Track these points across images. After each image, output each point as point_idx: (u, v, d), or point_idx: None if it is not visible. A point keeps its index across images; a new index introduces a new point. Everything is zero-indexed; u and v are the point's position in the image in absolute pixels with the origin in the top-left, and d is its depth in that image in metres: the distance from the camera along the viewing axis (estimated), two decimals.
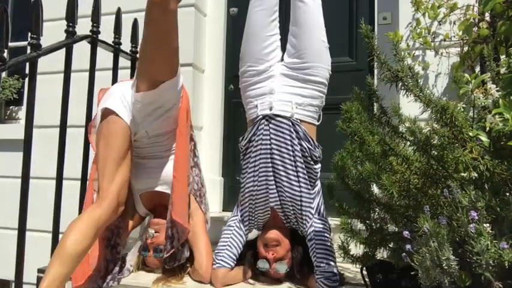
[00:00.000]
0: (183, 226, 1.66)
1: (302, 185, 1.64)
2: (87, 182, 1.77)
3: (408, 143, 1.30)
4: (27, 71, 2.13)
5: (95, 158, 1.70)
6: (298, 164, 1.64)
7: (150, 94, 1.58)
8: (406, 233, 1.09)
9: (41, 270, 1.76)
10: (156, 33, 1.50)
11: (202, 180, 1.91)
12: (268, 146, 1.66)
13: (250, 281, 1.68)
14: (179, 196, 1.67)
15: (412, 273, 1.04)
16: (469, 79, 1.13)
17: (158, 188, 1.78)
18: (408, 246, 1.06)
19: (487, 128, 1.04)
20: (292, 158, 1.64)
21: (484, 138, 1.07)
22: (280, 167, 1.65)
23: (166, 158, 1.78)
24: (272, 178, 1.66)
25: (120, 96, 1.63)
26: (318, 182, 1.72)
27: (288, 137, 1.65)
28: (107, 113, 1.61)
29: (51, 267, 1.36)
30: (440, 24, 2.22)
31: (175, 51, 1.57)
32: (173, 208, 1.64)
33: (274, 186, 1.66)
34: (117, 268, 1.71)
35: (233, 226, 1.75)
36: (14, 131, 2.88)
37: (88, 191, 1.74)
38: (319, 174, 1.71)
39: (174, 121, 1.72)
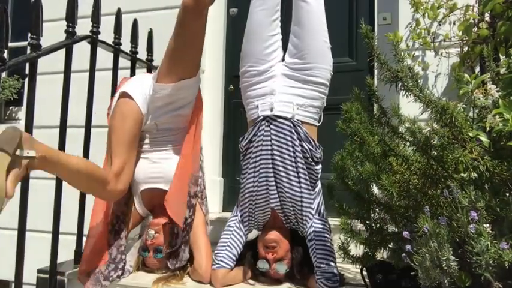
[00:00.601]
0: (178, 224, 1.69)
1: (303, 185, 1.64)
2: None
3: (408, 143, 1.30)
4: (27, 71, 2.13)
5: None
6: (299, 164, 1.64)
7: (168, 87, 1.69)
8: (406, 234, 1.09)
9: (41, 271, 1.76)
10: (186, 34, 1.62)
11: (204, 183, 1.92)
12: (269, 147, 1.66)
13: (250, 281, 1.68)
14: (176, 194, 1.71)
15: (412, 273, 1.04)
16: (469, 79, 1.13)
17: (160, 186, 1.79)
18: (408, 247, 1.06)
19: (487, 129, 1.04)
20: (293, 159, 1.64)
21: (484, 138, 1.07)
22: (280, 168, 1.65)
23: (170, 154, 1.79)
24: (273, 179, 1.66)
25: (139, 85, 1.76)
26: (319, 183, 1.72)
27: (289, 138, 1.65)
28: (123, 95, 1.73)
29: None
30: (440, 25, 2.22)
31: (200, 52, 1.71)
32: (168, 205, 1.68)
33: (275, 187, 1.66)
34: (118, 255, 1.71)
35: (233, 226, 1.75)
36: None
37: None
38: (319, 175, 1.71)
39: (185, 120, 1.79)
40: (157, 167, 1.79)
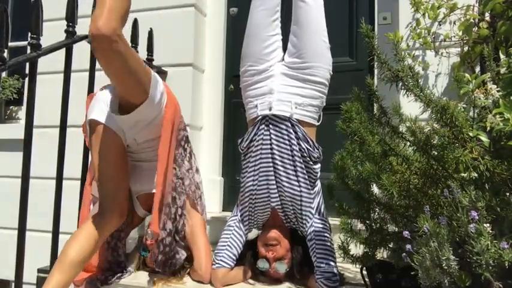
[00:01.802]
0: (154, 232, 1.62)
1: (302, 184, 1.64)
2: (84, 187, 1.77)
3: (408, 143, 1.30)
4: (27, 71, 2.13)
5: (91, 165, 1.71)
6: (297, 164, 1.64)
7: (127, 118, 1.55)
8: (406, 233, 1.09)
9: (41, 270, 1.76)
10: (109, 70, 1.44)
11: (196, 182, 1.89)
12: (269, 146, 1.66)
13: (250, 281, 1.68)
14: (159, 210, 1.65)
15: (412, 273, 1.04)
16: (470, 79, 1.13)
17: (154, 190, 1.78)
18: (408, 246, 1.06)
19: (488, 128, 1.04)
20: (290, 158, 1.64)
21: (484, 138, 1.07)
22: (280, 167, 1.65)
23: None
24: (273, 178, 1.66)
25: (106, 105, 1.60)
26: (318, 182, 1.72)
27: (287, 137, 1.65)
28: (94, 125, 1.59)
29: (53, 275, 1.39)
30: (440, 25, 2.22)
31: (136, 80, 1.48)
32: (154, 221, 1.61)
33: (275, 186, 1.66)
34: (119, 269, 1.72)
35: (233, 226, 1.75)
36: (14, 131, 2.88)
37: (85, 197, 1.73)
38: (319, 174, 1.71)
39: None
40: (148, 174, 1.77)
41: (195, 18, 2.71)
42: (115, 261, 1.73)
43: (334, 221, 1.68)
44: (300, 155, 1.64)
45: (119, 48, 1.35)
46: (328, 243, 1.61)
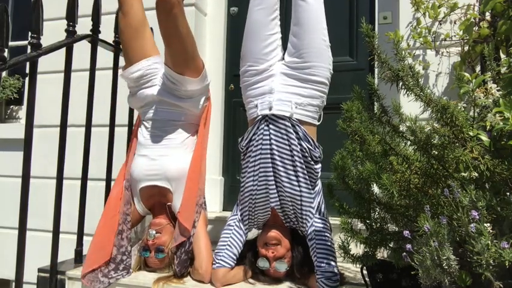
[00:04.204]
0: (185, 227, 1.70)
1: (302, 184, 1.64)
2: (117, 175, 1.89)
3: (409, 142, 1.30)
4: (27, 71, 2.13)
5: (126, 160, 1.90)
6: (297, 163, 1.64)
7: (170, 72, 1.79)
8: (406, 233, 1.09)
9: (41, 270, 1.76)
10: (162, 33, 1.71)
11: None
12: (268, 146, 1.66)
13: (251, 280, 1.68)
14: (188, 200, 1.74)
15: (412, 272, 1.04)
16: (470, 79, 1.13)
17: (158, 183, 1.79)
18: (408, 246, 1.06)
19: (488, 128, 1.04)
20: (290, 158, 1.64)
21: (484, 137, 1.07)
22: (280, 167, 1.65)
23: (168, 151, 1.82)
24: (272, 178, 1.66)
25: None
26: (319, 182, 1.71)
27: (286, 137, 1.65)
28: None
29: None
30: (440, 24, 2.21)
31: (179, 54, 1.73)
32: (180, 211, 1.72)
33: (274, 186, 1.66)
34: (119, 256, 1.72)
35: (233, 226, 1.75)
36: (15, 130, 2.88)
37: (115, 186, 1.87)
38: (319, 174, 1.70)
39: (183, 114, 1.85)
40: (156, 164, 1.80)
41: (196, 17, 2.70)
42: (118, 245, 1.73)
43: (334, 220, 1.68)
44: (300, 155, 1.64)
45: (175, 15, 1.63)
46: (329, 243, 1.61)
